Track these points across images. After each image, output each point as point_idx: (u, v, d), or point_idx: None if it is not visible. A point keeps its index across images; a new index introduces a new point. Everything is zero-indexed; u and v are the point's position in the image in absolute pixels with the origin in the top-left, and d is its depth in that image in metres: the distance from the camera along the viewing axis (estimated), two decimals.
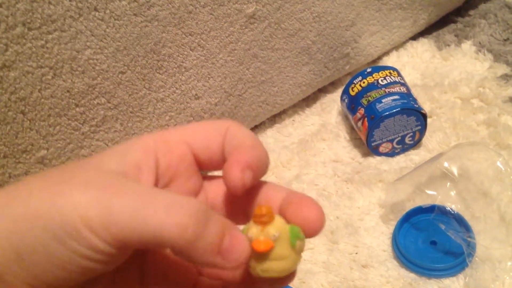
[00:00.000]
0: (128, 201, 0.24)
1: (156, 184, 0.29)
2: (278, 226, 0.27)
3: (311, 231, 0.28)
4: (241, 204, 0.31)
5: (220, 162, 0.30)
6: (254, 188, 0.29)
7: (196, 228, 0.24)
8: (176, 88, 0.69)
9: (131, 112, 0.66)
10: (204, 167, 0.31)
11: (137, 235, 0.24)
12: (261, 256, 0.27)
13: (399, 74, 0.80)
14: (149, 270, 0.31)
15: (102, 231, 0.24)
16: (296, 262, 0.27)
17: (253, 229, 0.27)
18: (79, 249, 0.24)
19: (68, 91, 0.59)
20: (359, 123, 0.76)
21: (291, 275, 0.28)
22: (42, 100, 0.58)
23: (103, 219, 0.24)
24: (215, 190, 0.32)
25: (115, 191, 0.25)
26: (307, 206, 0.28)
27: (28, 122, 0.58)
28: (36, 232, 0.24)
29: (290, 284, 0.60)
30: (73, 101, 0.60)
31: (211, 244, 0.25)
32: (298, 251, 0.27)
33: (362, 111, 0.76)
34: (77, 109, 0.61)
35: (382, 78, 0.77)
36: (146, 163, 0.28)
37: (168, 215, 0.24)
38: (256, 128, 0.86)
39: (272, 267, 0.27)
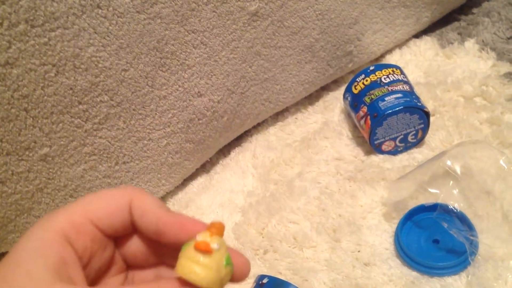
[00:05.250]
0: None
1: (83, 269, 0.31)
2: (222, 243, 0.30)
3: (239, 274, 0.31)
4: (155, 247, 0.33)
5: (128, 230, 0.32)
6: (168, 226, 0.31)
7: None
8: (179, 86, 0.69)
9: (133, 110, 0.66)
10: (111, 236, 0.33)
11: None
12: (194, 256, 0.29)
13: (402, 72, 0.79)
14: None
15: None
16: (216, 283, 0.29)
17: (203, 234, 0.30)
18: None
19: (71, 89, 0.59)
20: (362, 121, 0.76)
21: None
22: (45, 97, 0.58)
23: None
24: (128, 244, 0.34)
25: None
26: (237, 254, 0.32)
27: (31, 119, 0.58)
28: None
29: (293, 283, 0.60)
30: (76, 98, 0.60)
31: None
32: (225, 275, 0.30)
33: (365, 109, 0.76)
34: (80, 106, 0.61)
35: (385, 76, 0.77)
36: (68, 255, 0.29)
37: None
38: (259, 126, 0.86)
39: (196, 271, 0.29)
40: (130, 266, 0.35)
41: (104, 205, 0.31)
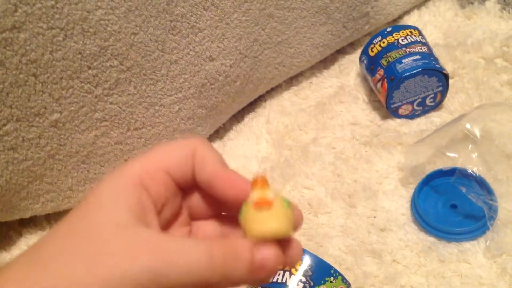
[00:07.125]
0: (169, 259, 0.27)
1: (157, 216, 0.31)
2: (272, 191, 0.30)
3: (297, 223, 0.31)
4: (214, 199, 0.34)
5: (190, 181, 0.33)
6: (219, 181, 0.32)
7: (227, 254, 0.28)
8: (190, 50, 0.67)
9: (144, 75, 0.64)
10: (180, 186, 0.33)
11: (183, 283, 0.27)
12: (259, 216, 0.29)
13: (420, 34, 0.77)
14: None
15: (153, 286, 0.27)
16: (289, 226, 0.30)
17: (255, 192, 0.30)
18: None
19: (79, 53, 0.58)
20: (378, 85, 0.74)
21: (286, 247, 0.30)
22: (54, 62, 0.57)
23: (154, 282, 0.27)
24: (191, 195, 0.35)
25: (155, 255, 0.27)
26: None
27: (40, 85, 0.57)
28: None
29: (308, 249, 0.59)
30: (85, 63, 0.59)
31: (246, 262, 0.29)
32: (290, 215, 0.30)
33: (381, 72, 0.74)
34: (90, 71, 0.60)
35: (403, 38, 0.75)
36: (146, 202, 0.30)
37: (210, 262, 0.28)
38: (273, 90, 0.84)
39: (268, 226, 0.29)
40: (191, 217, 0.36)
41: (174, 155, 0.32)
